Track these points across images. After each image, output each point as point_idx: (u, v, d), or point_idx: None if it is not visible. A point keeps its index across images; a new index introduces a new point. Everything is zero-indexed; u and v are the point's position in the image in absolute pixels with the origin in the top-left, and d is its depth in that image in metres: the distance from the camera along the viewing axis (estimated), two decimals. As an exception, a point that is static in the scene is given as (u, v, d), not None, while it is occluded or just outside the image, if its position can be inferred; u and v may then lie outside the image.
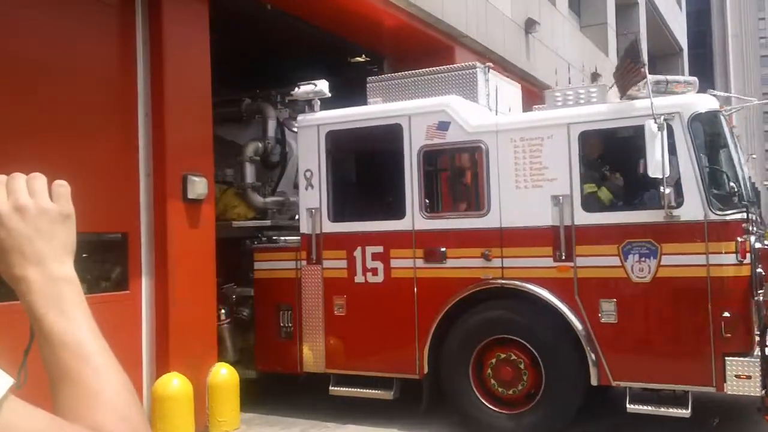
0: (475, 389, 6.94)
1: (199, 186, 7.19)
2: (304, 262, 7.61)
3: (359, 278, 7.35)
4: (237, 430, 7.23)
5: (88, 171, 6.50)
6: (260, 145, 8.72)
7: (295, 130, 8.27)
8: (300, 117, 7.89)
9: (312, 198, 7.63)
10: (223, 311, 8.01)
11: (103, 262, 6.88)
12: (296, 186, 8.31)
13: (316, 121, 7.70)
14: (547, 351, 6.67)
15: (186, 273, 7.06)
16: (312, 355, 7.57)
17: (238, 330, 8.25)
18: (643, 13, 27.13)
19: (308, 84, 7.79)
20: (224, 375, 7.23)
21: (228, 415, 7.16)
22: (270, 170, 9.00)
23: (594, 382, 6.52)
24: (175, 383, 6.71)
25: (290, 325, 7.71)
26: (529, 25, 15.52)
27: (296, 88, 7.86)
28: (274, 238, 8.34)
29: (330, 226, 7.52)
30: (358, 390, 7.41)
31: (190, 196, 7.12)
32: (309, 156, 7.70)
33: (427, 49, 11.17)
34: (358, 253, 7.33)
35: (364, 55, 11.29)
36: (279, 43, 10.04)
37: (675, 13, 34.08)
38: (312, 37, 10.06)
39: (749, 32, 58.72)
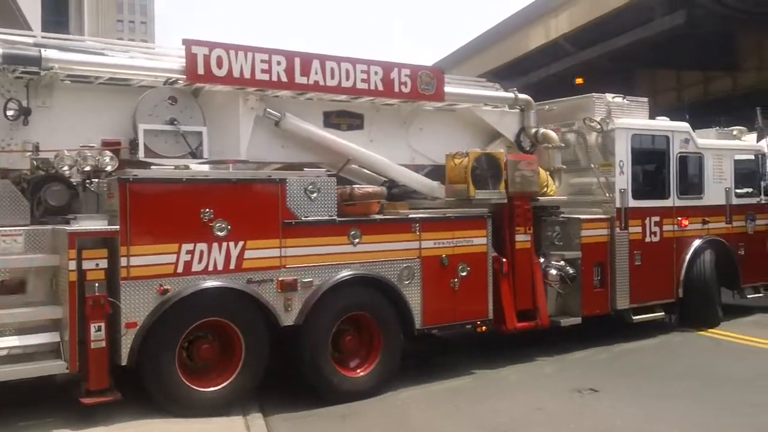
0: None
1: None
2: (617, 229, 11.07)
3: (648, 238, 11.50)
4: None
5: None
6: None
7: None
8: None
9: (621, 181, 11.23)
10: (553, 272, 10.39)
11: None
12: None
13: None
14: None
15: None
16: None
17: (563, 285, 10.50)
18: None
19: None
20: None
21: None
22: None
23: None
24: None
25: (601, 277, 10.89)
26: None
27: None
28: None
29: (633, 203, 11.31)
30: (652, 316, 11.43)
31: None
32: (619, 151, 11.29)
33: None
34: (647, 221, 11.50)
35: None
36: None
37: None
38: None
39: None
